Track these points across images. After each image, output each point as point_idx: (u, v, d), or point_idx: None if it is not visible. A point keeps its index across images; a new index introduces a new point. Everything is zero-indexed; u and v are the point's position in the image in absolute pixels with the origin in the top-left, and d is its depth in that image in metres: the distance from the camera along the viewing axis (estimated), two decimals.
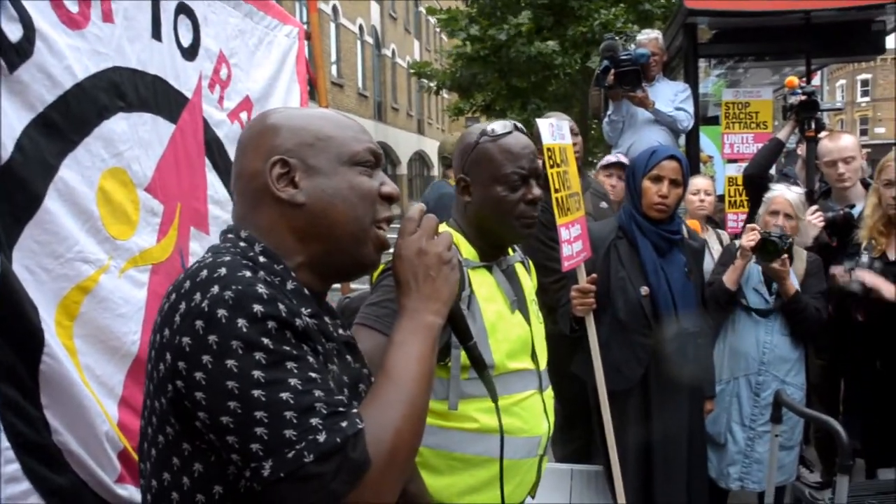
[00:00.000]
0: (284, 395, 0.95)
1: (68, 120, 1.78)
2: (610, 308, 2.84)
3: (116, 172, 1.96)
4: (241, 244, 1.12)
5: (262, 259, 1.10)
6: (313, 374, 0.99)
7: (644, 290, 2.83)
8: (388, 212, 1.19)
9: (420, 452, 1.72)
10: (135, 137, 2.04)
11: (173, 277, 2.16)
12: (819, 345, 3.64)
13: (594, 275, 2.69)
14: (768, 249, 3.10)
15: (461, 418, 1.76)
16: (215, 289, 0.98)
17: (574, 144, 3.65)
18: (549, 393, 1.95)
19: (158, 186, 2.13)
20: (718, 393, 3.21)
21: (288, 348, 0.98)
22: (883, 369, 3.29)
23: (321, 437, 0.95)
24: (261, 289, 0.99)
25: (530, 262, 2.12)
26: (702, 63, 6.35)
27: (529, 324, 1.91)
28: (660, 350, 2.82)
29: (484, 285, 1.83)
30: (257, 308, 0.97)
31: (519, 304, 1.90)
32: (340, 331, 1.20)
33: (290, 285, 1.09)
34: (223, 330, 0.96)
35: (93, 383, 1.78)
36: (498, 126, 1.84)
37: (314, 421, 0.95)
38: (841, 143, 3.70)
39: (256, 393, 0.94)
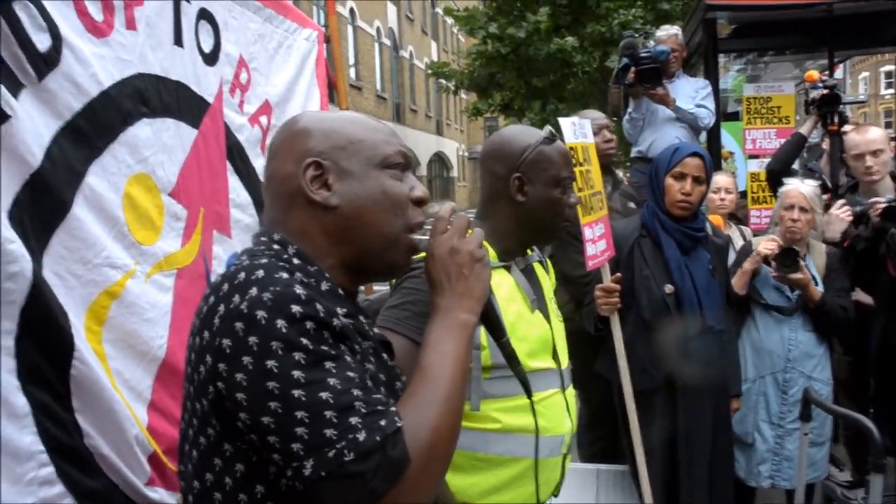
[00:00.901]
0: (324, 395, 0.96)
1: (95, 127, 1.80)
2: (634, 307, 2.82)
3: (141, 178, 1.98)
4: (275, 246, 1.13)
5: (296, 261, 1.11)
6: (351, 374, 1.00)
7: (668, 288, 2.81)
8: (421, 216, 1.20)
9: None
10: (159, 143, 2.06)
11: (197, 281, 2.21)
12: (844, 341, 3.59)
13: (618, 274, 2.68)
14: (787, 262, 3.07)
15: (483, 419, 1.76)
16: (254, 290, 0.99)
17: (609, 141, 3.65)
18: (570, 391, 1.95)
19: (182, 191, 2.15)
20: (745, 392, 3.18)
21: (326, 348, 0.99)
22: None
23: (361, 436, 0.95)
24: (298, 290, 1.00)
25: (548, 262, 2.11)
26: (721, 58, 6.30)
27: (550, 323, 1.91)
28: (685, 348, 2.80)
29: (503, 285, 1.83)
30: (296, 309, 0.98)
31: (538, 303, 1.90)
32: (375, 330, 1.20)
33: (324, 286, 1.10)
34: (263, 331, 0.97)
35: (122, 387, 1.80)
36: (545, 132, 1.91)
37: (354, 420, 0.96)
38: (869, 136, 3.62)
39: (297, 393, 0.95)
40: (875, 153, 3.57)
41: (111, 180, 1.84)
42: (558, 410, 1.87)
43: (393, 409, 1.01)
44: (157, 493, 1.84)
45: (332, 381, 0.97)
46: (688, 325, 2.79)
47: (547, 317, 1.92)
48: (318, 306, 1.00)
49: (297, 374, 0.96)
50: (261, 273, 1.02)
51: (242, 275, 1.03)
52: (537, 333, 1.86)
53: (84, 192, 1.75)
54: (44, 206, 1.62)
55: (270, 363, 0.96)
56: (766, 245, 3.13)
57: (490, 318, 1.27)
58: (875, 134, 3.65)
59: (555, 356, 1.90)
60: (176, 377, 1.99)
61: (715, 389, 2.87)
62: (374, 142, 1.17)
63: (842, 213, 3.53)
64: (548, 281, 2.03)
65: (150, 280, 1.98)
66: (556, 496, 1.95)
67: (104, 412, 1.68)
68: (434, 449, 1.02)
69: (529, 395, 1.38)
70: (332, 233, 1.15)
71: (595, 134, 3.52)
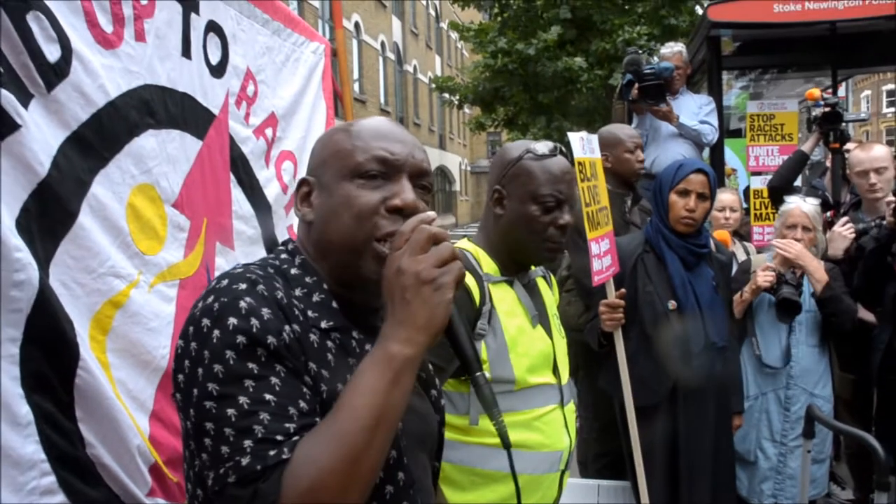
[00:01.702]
0: (230, 412, 0.96)
1: (101, 137, 1.81)
2: (637, 322, 2.81)
3: (145, 188, 1.99)
4: (284, 255, 1.17)
5: (294, 271, 1.13)
6: (269, 396, 0.97)
7: (672, 303, 2.80)
8: (391, 226, 1.10)
9: (442, 468, 1.72)
10: (163, 154, 2.06)
11: (200, 292, 2.20)
12: (843, 356, 3.59)
13: (623, 290, 2.67)
14: (789, 309, 3.09)
15: (482, 433, 1.75)
16: (210, 299, 1.03)
17: (642, 161, 3.66)
18: (570, 407, 1.94)
19: (185, 202, 2.16)
20: (747, 409, 3.17)
21: (252, 366, 0.98)
22: None
23: (244, 461, 0.94)
24: (243, 303, 1.00)
25: (552, 277, 2.11)
26: (725, 75, 6.32)
27: (551, 338, 1.91)
28: (687, 364, 2.79)
29: (505, 300, 1.83)
30: (231, 321, 0.99)
31: (540, 318, 1.90)
32: (368, 346, 1.15)
33: (316, 297, 1.11)
34: (202, 338, 0.99)
35: (125, 397, 1.79)
36: (543, 146, 1.85)
37: (246, 443, 0.95)
38: (873, 154, 3.66)
39: (208, 404, 0.97)
40: (879, 171, 3.59)
41: (115, 190, 1.85)
42: (557, 426, 1.86)
43: (295, 440, 0.97)
44: (157, 503, 1.84)
45: (242, 398, 0.96)
46: (690, 340, 2.79)
47: (549, 332, 1.91)
48: (254, 321, 0.99)
49: (211, 386, 0.97)
50: (225, 282, 1.04)
51: (214, 282, 1.06)
52: (538, 349, 1.85)
53: (90, 201, 1.75)
54: (51, 215, 1.63)
55: (199, 371, 0.98)
56: (765, 277, 3.14)
57: (458, 349, 1.10)
58: (879, 152, 3.67)
59: (555, 372, 1.90)
60: None
61: (717, 405, 2.87)
62: (350, 151, 1.15)
63: (844, 231, 3.54)
64: (551, 296, 2.03)
65: (153, 290, 1.98)
66: None
67: (107, 422, 1.67)
68: (313, 490, 0.93)
69: (507, 447, 1.15)
70: (314, 246, 1.17)
71: (630, 152, 3.55)
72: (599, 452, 3.74)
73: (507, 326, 1.80)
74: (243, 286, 1.03)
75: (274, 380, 0.99)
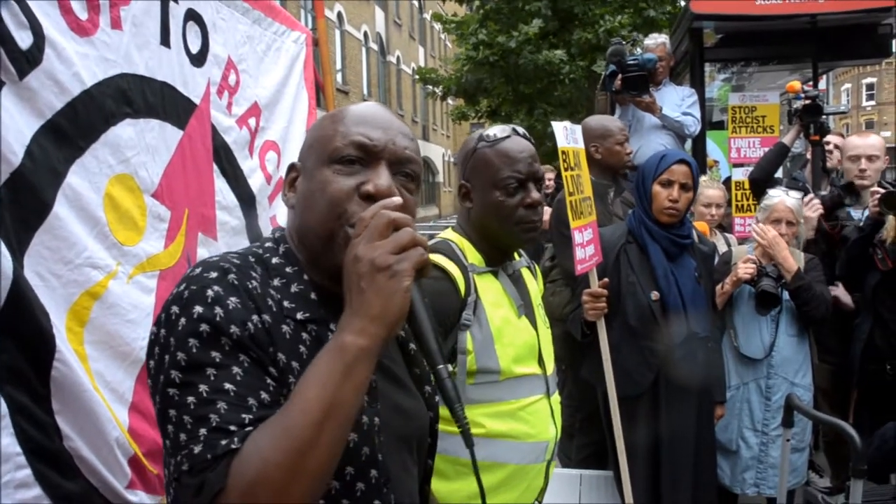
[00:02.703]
0: (189, 399, 0.96)
1: (76, 126, 1.78)
2: (620, 313, 2.82)
3: (123, 178, 1.96)
4: (267, 244, 1.15)
5: (275, 261, 1.12)
6: (228, 386, 0.96)
7: (654, 294, 2.82)
8: (360, 212, 1.05)
9: None
10: (142, 144, 2.04)
11: None
12: (822, 344, 3.63)
13: (606, 279, 2.68)
14: (767, 302, 3.11)
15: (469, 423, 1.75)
16: (182, 286, 1.02)
17: (631, 153, 3.66)
18: (556, 398, 1.94)
19: (165, 192, 2.13)
20: (728, 399, 3.20)
21: (215, 354, 0.97)
22: (893, 372, 3.28)
23: (196, 449, 0.94)
24: (210, 291, 1.00)
25: (536, 267, 2.11)
26: (707, 67, 6.35)
27: (536, 328, 1.91)
28: (670, 355, 2.81)
29: (490, 290, 1.83)
30: (196, 309, 0.99)
31: (526, 308, 1.89)
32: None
33: (294, 288, 1.09)
34: (169, 326, 0.99)
35: (103, 389, 1.78)
36: (497, 130, 1.83)
37: (202, 431, 0.94)
38: (869, 141, 3.78)
39: (171, 392, 0.97)
40: (871, 158, 3.69)
41: (92, 180, 1.82)
42: (543, 416, 1.86)
43: (248, 430, 0.94)
44: (137, 496, 1.82)
45: (202, 387, 0.95)
46: (673, 331, 2.80)
47: (534, 322, 1.91)
48: (218, 310, 0.98)
49: (174, 373, 0.97)
50: (198, 270, 1.04)
51: (190, 270, 1.06)
52: (524, 339, 1.85)
53: (65, 191, 1.73)
54: (24, 205, 1.60)
55: (166, 357, 0.98)
56: (746, 269, 3.16)
57: (420, 340, 1.05)
58: (875, 140, 3.80)
59: (541, 362, 1.90)
60: None
61: (699, 395, 2.89)
62: (331, 136, 1.13)
63: (810, 211, 3.62)
64: (535, 286, 2.03)
65: (132, 281, 1.96)
66: (539, 502, 1.94)
67: (85, 414, 1.66)
68: (256, 483, 0.90)
69: (470, 446, 1.10)
70: (296, 232, 1.16)
71: (621, 144, 3.55)
72: (582, 443, 3.76)
73: (493, 317, 1.79)
74: (214, 274, 1.02)
75: (236, 369, 0.97)
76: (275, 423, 0.94)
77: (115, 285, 1.88)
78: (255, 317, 1.01)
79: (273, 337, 1.03)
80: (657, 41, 4.91)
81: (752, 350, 3.23)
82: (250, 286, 1.04)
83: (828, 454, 4.04)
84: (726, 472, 3.26)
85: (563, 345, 3.49)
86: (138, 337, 1.94)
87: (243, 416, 0.95)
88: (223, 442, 0.93)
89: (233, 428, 0.94)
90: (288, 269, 1.11)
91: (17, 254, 1.57)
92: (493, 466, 1.76)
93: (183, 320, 0.98)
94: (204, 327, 0.97)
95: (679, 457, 2.83)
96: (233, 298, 1.00)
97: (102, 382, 1.79)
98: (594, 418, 3.24)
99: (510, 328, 1.82)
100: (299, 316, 1.08)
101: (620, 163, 3.59)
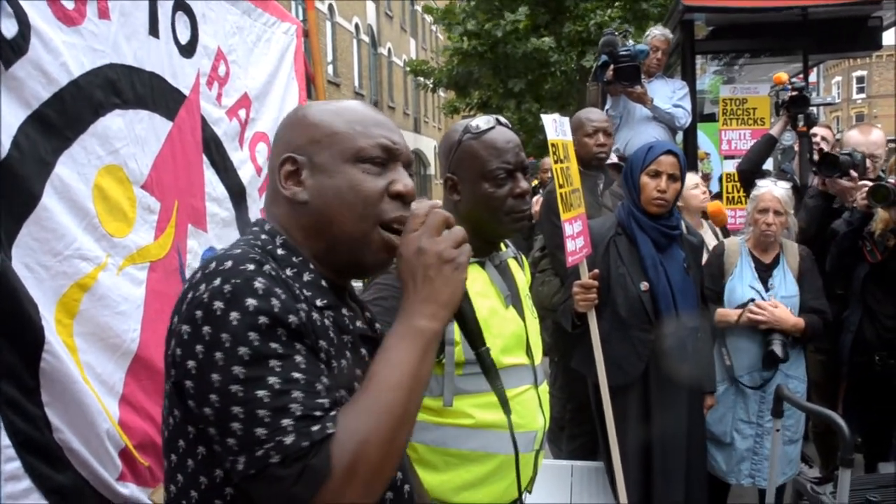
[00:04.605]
0: (261, 394, 0.95)
1: (64, 117, 1.77)
2: (610, 304, 2.83)
3: (112, 170, 1.95)
4: (263, 236, 1.14)
5: (280, 252, 1.12)
6: (297, 375, 0.98)
7: (644, 285, 2.83)
8: (399, 211, 1.14)
9: (415, 449, 1.72)
10: (131, 135, 2.02)
11: (171, 275, 2.19)
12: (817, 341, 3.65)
13: (596, 270, 2.69)
14: (775, 360, 3.14)
15: (457, 414, 1.75)
16: (217, 281, 1.00)
17: (602, 145, 3.66)
18: (544, 388, 1.95)
19: (155, 184, 2.12)
20: (723, 391, 3.21)
21: (275, 346, 0.98)
22: (881, 364, 3.30)
23: (288, 440, 0.94)
24: (258, 283, 1.00)
25: (523, 258, 2.12)
26: (698, 60, 6.37)
27: (524, 319, 1.91)
28: (660, 345, 2.82)
29: (477, 281, 1.83)
30: (250, 302, 0.98)
31: (513, 299, 1.90)
32: (359, 323, 1.19)
33: (306, 276, 1.10)
34: (216, 322, 0.97)
35: (93, 381, 1.77)
36: (481, 122, 1.82)
37: (285, 422, 0.95)
38: (871, 138, 3.75)
39: (234, 388, 0.95)
40: (872, 157, 3.65)
41: (81, 171, 1.81)
42: (531, 406, 1.87)
43: (333, 414, 0.98)
44: (127, 488, 1.82)
45: (272, 379, 0.96)
46: (662, 321, 2.81)
47: (521, 313, 1.91)
48: (275, 301, 0.99)
49: (237, 369, 0.96)
50: (229, 263, 1.02)
51: (213, 264, 1.03)
52: (511, 329, 1.85)
53: (53, 182, 1.72)
54: (12, 196, 1.59)
55: (218, 355, 0.96)
56: (760, 321, 3.16)
57: (467, 326, 1.20)
58: (876, 136, 3.77)
59: (528, 352, 1.90)
60: (148, 371, 1.97)
61: (689, 385, 2.90)
62: (351, 135, 1.15)
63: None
64: (522, 277, 2.03)
65: (122, 273, 1.95)
66: (529, 492, 1.95)
67: (75, 406, 1.65)
68: (358, 462, 0.96)
69: (508, 413, 1.27)
70: (304, 227, 1.15)
71: (589, 136, 3.55)
72: (573, 433, 3.77)
73: (480, 307, 1.78)
74: (251, 267, 1.01)
75: (298, 358, 0.99)
76: (362, 406, 1.00)
77: (105, 277, 1.87)
78: (298, 305, 1.03)
79: (313, 324, 1.05)
80: (665, 34, 4.91)
81: (745, 377, 3.23)
82: (282, 276, 1.06)
83: (817, 445, 4.07)
84: (721, 462, 3.28)
85: (555, 336, 3.51)
86: (129, 329, 1.93)
87: (320, 401, 0.98)
88: (315, 428, 0.95)
89: (318, 414, 0.97)
90: (294, 260, 1.12)
91: (5, 245, 1.56)
92: (483, 457, 1.77)
93: (235, 314, 0.97)
94: (263, 319, 0.97)
95: (670, 446, 2.85)
96: (277, 289, 1.01)
97: (92, 374, 1.78)
98: (585, 409, 3.25)
99: (497, 318, 1.82)
100: (318, 303, 1.10)
101: (589, 155, 3.58)
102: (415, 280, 1.07)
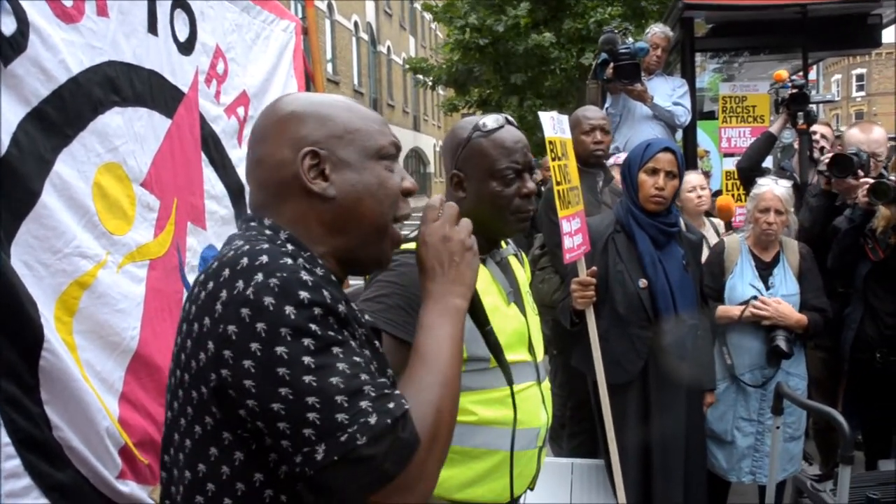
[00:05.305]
0: (334, 380, 0.97)
1: (63, 114, 1.76)
2: (608, 301, 2.83)
3: (112, 167, 1.95)
4: (267, 232, 1.12)
5: (289, 247, 1.11)
6: (357, 359, 1.01)
7: (642, 282, 2.83)
8: (408, 208, 1.21)
9: None
10: (130, 132, 2.02)
11: (171, 273, 2.19)
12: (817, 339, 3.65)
13: (594, 268, 2.69)
14: (780, 355, 3.14)
15: (460, 411, 1.74)
16: (259, 276, 0.99)
17: (599, 143, 3.66)
18: (546, 385, 1.95)
19: (154, 181, 2.12)
20: (724, 389, 3.21)
21: (333, 333, 1.00)
22: (882, 361, 3.30)
23: (372, 420, 0.97)
24: (304, 276, 1.01)
25: (523, 255, 2.12)
26: (698, 57, 6.37)
27: (525, 316, 1.91)
28: (658, 343, 2.82)
29: (479, 278, 1.82)
30: (304, 295, 0.99)
31: (514, 296, 1.90)
32: (367, 317, 1.22)
33: (319, 271, 1.10)
34: (271, 317, 0.97)
35: (93, 379, 1.77)
36: (490, 120, 1.82)
37: (364, 404, 0.97)
38: (872, 136, 3.71)
39: (307, 379, 0.96)
40: (874, 155, 3.63)
41: (80, 169, 1.81)
42: (534, 403, 1.87)
43: (398, 392, 1.03)
44: (127, 486, 1.82)
45: (340, 365, 0.99)
46: (661, 318, 2.81)
47: (522, 310, 1.91)
48: (325, 292, 1.02)
49: (307, 359, 0.97)
50: (265, 258, 1.01)
51: (245, 260, 1.02)
52: (513, 326, 1.85)
53: (53, 180, 1.72)
54: (11, 193, 1.59)
55: (280, 349, 0.96)
56: (764, 316, 3.17)
57: (475, 307, 1.29)
58: (878, 134, 3.74)
59: (530, 349, 1.90)
60: (148, 369, 1.97)
61: (689, 383, 2.90)
62: (370, 132, 1.17)
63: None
64: (523, 274, 2.03)
65: (121, 271, 1.95)
66: (531, 489, 1.95)
67: (74, 404, 1.65)
68: (438, 429, 1.04)
69: (511, 383, 1.41)
70: (327, 223, 1.14)
71: (586, 133, 3.55)
72: (573, 431, 3.77)
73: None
74: (288, 261, 1.02)
75: (352, 343, 1.03)
76: (427, 377, 1.09)
77: (105, 275, 1.87)
78: (339, 296, 1.06)
79: (353, 314, 1.08)
80: (665, 31, 4.91)
81: (746, 375, 3.23)
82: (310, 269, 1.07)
83: (817, 442, 4.07)
84: (721, 460, 3.27)
85: (554, 333, 3.51)
86: (128, 327, 1.93)
87: (382, 380, 1.03)
88: (391, 405, 0.99)
89: (388, 392, 1.01)
90: (304, 254, 1.11)
91: (5, 243, 1.56)
92: (485, 453, 1.77)
93: (290, 308, 0.97)
94: (318, 311, 1.00)
95: (670, 444, 2.85)
96: (321, 281, 1.04)
97: (92, 372, 1.78)
98: (585, 407, 3.25)
99: (499, 315, 1.81)
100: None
101: (586, 152, 3.57)
102: (442, 265, 1.19)
